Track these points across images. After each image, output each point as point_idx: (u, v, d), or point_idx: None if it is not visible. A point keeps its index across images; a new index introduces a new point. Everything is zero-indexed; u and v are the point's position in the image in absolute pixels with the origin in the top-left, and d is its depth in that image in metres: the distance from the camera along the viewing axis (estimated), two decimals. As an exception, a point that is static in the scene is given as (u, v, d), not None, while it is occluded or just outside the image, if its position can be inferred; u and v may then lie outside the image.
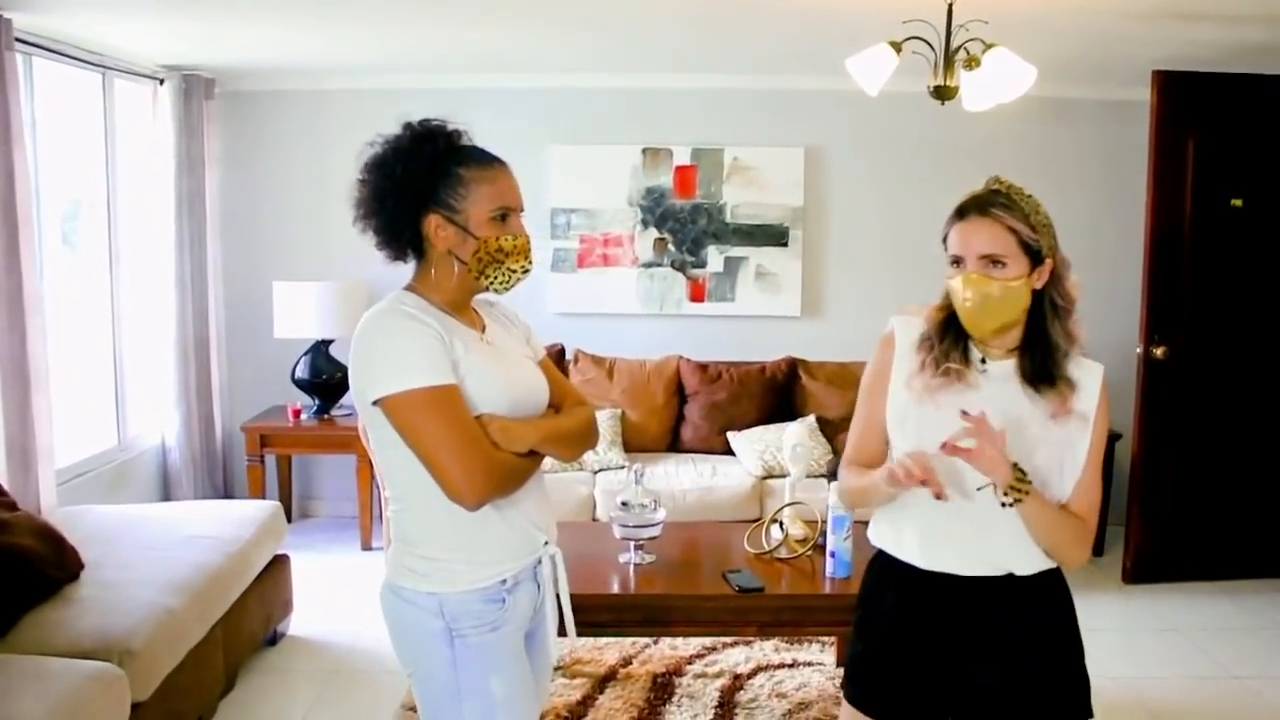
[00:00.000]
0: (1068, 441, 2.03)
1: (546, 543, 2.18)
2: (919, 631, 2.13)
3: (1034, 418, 2.03)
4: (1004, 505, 1.98)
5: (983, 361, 2.08)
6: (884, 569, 2.19)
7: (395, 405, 1.95)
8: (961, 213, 2.04)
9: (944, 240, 2.07)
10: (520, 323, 2.33)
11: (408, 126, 2.07)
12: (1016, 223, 1.98)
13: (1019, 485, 1.96)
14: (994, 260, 1.99)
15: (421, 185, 2.03)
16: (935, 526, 2.09)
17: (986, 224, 1.99)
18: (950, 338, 2.09)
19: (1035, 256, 2.00)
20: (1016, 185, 2.04)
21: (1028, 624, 2.07)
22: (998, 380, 2.07)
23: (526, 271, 2.11)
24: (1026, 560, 2.06)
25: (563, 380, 2.33)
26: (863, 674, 2.21)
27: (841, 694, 2.27)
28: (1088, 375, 2.06)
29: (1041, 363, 2.03)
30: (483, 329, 2.15)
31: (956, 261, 2.04)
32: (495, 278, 2.08)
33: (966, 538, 2.07)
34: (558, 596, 2.23)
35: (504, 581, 2.08)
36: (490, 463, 1.97)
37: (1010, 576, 2.06)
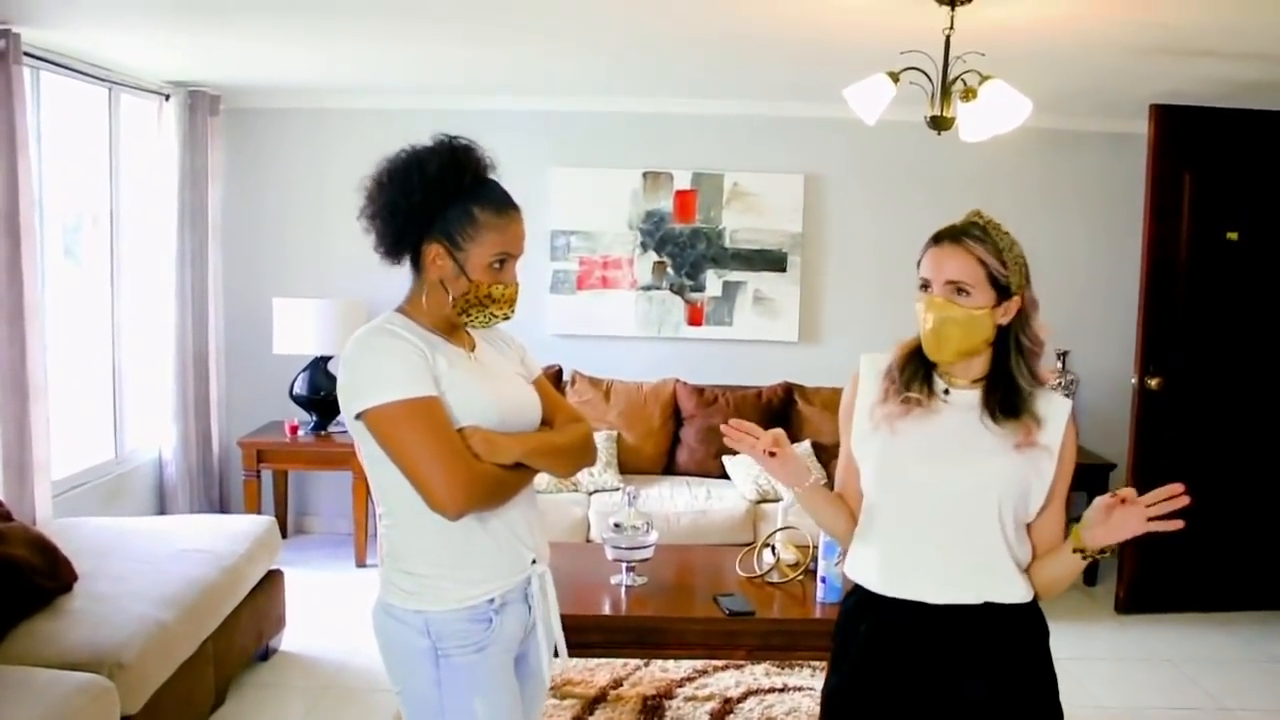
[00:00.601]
0: (1035, 470, 2.04)
1: (534, 561, 2.18)
2: (891, 663, 2.11)
3: (995, 448, 2.04)
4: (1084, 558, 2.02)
5: (946, 391, 2.10)
6: (858, 601, 2.18)
7: (377, 418, 1.98)
8: (937, 239, 2.07)
9: (918, 264, 2.11)
10: (515, 343, 2.35)
11: (440, 146, 2.08)
12: (987, 255, 2.01)
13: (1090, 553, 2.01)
14: (959, 288, 2.02)
15: (435, 212, 2.05)
16: (905, 555, 2.09)
17: (958, 252, 2.03)
18: (912, 367, 2.12)
19: (1002, 291, 2.02)
20: (995, 221, 2.06)
21: (1002, 655, 2.06)
22: (960, 409, 2.08)
23: (507, 318, 2.16)
24: (1007, 590, 2.05)
25: (556, 397, 2.35)
26: (836, 709, 2.19)
27: None
28: (1053, 410, 2.07)
29: (1004, 398, 2.04)
30: (472, 347, 2.18)
31: (925, 285, 2.07)
32: (476, 318, 2.12)
33: (938, 565, 2.07)
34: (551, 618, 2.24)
35: (491, 601, 2.09)
36: (472, 473, 1.98)
37: (987, 605, 2.04)
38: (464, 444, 2.00)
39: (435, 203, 2.04)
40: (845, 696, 2.18)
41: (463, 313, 2.09)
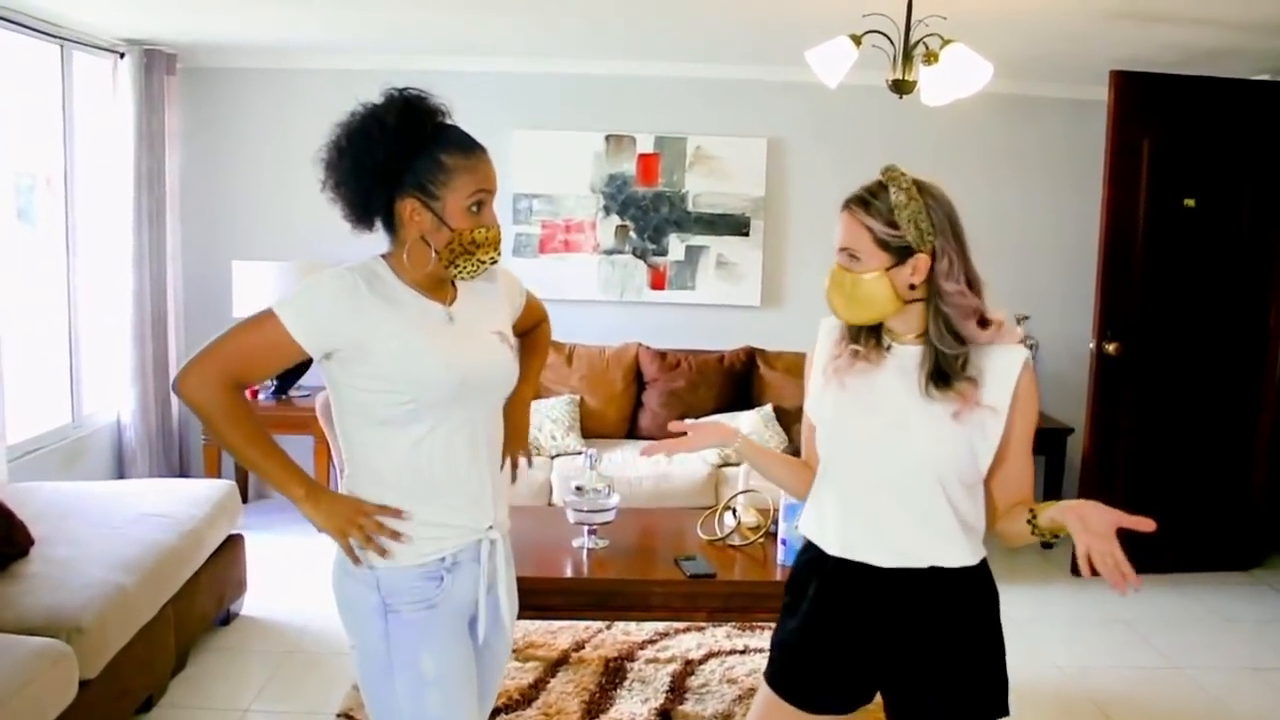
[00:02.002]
0: (979, 433, 2.03)
1: (491, 527, 2.17)
2: (837, 622, 2.14)
3: (931, 414, 2.03)
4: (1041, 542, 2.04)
5: (889, 348, 2.11)
6: (810, 558, 2.21)
7: None
8: (843, 205, 2.10)
9: None
10: (500, 278, 2.30)
11: (393, 99, 2.04)
12: (870, 219, 2.02)
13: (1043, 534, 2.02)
14: (851, 254, 2.07)
15: (402, 166, 2.01)
16: (854, 517, 2.12)
17: (845, 219, 2.08)
18: (859, 327, 2.15)
19: (897, 252, 2.02)
20: (903, 175, 2.04)
21: (949, 618, 2.07)
22: (904, 367, 2.08)
23: (494, 262, 2.12)
24: (952, 554, 2.06)
25: (535, 307, 2.49)
26: (781, 659, 2.23)
27: (764, 673, 2.29)
28: (1003, 364, 2.04)
29: (934, 368, 2.03)
30: (451, 301, 2.14)
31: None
32: (464, 268, 2.08)
33: (886, 529, 2.08)
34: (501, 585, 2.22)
35: (443, 559, 2.09)
36: (208, 384, 1.98)
37: (934, 570, 2.05)
38: (244, 362, 2.01)
39: (400, 156, 2.00)
40: (791, 651, 2.21)
41: (450, 264, 2.06)
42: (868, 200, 2.04)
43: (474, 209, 2.04)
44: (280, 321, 1.97)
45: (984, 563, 2.12)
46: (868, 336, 2.13)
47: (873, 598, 2.10)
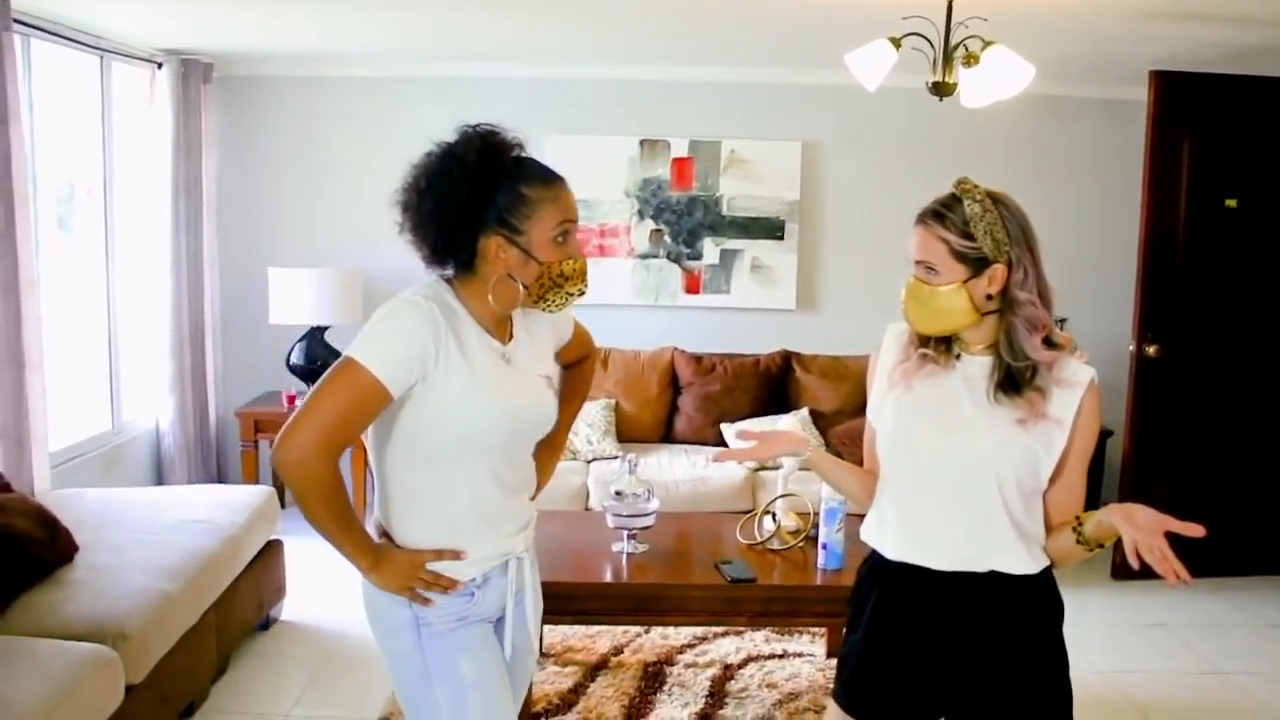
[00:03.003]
0: (1042, 444, 2.03)
1: (523, 550, 2.19)
2: (899, 628, 2.14)
3: (998, 421, 2.04)
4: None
5: (958, 356, 2.11)
6: (872, 566, 2.22)
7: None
8: (917, 219, 2.09)
9: None
10: (548, 319, 2.26)
11: (469, 136, 2.00)
12: (947, 232, 2.02)
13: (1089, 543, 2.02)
14: (928, 268, 2.05)
15: (484, 203, 1.97)
16: (914, 521, 2.12)
17: (921, 232, 2.06)
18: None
19: (974, 264, 2.01)
20: (976, 188, 2.04)
21: (1010, 626, 2.06)
22: (973, 375, 2.09)
23: (582, 294, 2.09)
24: (1015, 560, 2.06)
25: (583, 337, 2.47)
26: (850, 674, 2.22)
27: (831, 691, 2.28)
28: (1070, 381, 2.05)
29: (1005, 375, 2.04)
30: (509, 339, 2.11)
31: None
32: (553, 300, 2.05)
33: (945, 533, 2.09)
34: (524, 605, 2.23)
35: (474, 579, 2.09)
36: (317, 460, 1.90)
37: (994, 574, 2.05)
38: (343, 431, 1.92)
39: (482, 192, 1.96)
40: (856, 663, 2.20)
41: (540, 299, 2.03)
42: (942, 213, 2.04)
43: (560, 239, 2.01)
44: (368, 371, 1.89)
45: (1047, 572, 2.10)
46: (938, 342, 2.13)
47: (933, 603, 2.09)
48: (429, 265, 2.06)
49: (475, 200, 1.96)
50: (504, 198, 1.98)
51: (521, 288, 2.01)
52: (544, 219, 1.99)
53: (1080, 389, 2.04)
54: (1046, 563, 2.09)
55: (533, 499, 2.30)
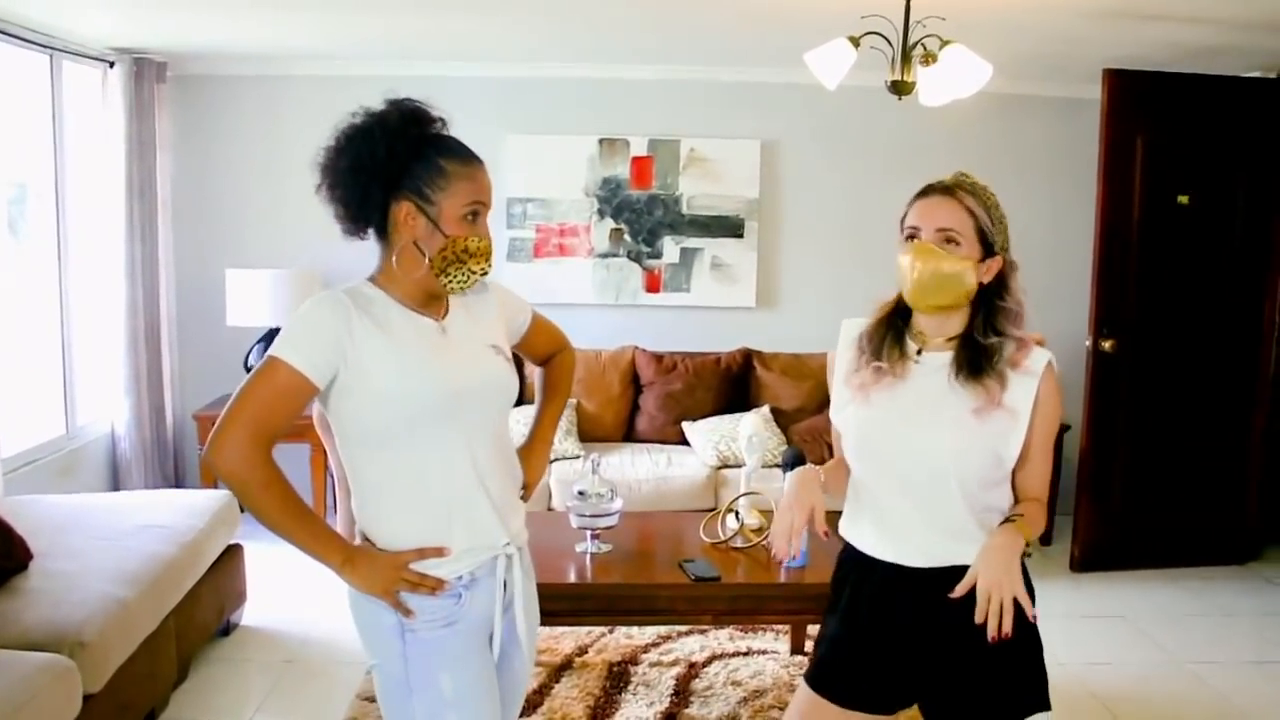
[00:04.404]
0: (997, 435, 2.05)
1: (507, 543, 2.14)
2: (874, 620, 2.17)
3: (954, 414, 2.05)
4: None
5: (919, 352, 2.13)
6: (848, 558, 2.25)
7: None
8: (927, 191, 2.09)
9: (902, 220, 2.12)
10: (497, 295, 2.28)
11: (394, 103, 2.03)
12: (978, 208, 2.04)
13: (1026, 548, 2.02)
14: (949, 237, 2.04)
15: (401, 168, 1.99)
16: (882, 519, 2.15)
17: (949, 202, 2.05)
18: (883, 332, 2.16)
19: (988, 248, 2.05)
20: (981, 183, 2.09)
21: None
22: (931, 370, 2.11)
23: (485, 274, 2.09)
24: (968, 553, 2.05)
25: (551, 332, 2.50)
26: (822, 656, 2.26)
27: (804, 671, 2.31)
28: (1028, 369, 2.06)
29: (972, 358, 2.05)
30: (443, 315, 2.11)
31: (912, 236, 2.08)
32: (455, 277, 2.04)
33: (915, 533, 2.11)
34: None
35: (460, 578, 2.06)
36: (245, 452, 1.89)
37: (957, 569, 2.05)
38: (272, 420, 1.92)
39: (400, 156, 1.99)
40: (830, 646, 2.24)
41: (441, 273, 2.03)
42: (973, 191, 2.05)
43: (469, 218, 2.03)
44: (287, 363, 1.91)
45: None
46: (891, 348, 2.13)
47: (905, 596, 2.13)
48: (345, 230, 2.07)
49: (392, 162, 1.98)
50: (420, 166, 2.00)
51: (426, 260, 2.01)
52: (457, 194, 2.01)
53: (1035, 379, 2.06)
54: None
55: (524, 499, 2.29)
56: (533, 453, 2.41)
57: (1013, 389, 2.04)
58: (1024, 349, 2.06)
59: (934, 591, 2.08)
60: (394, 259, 2.03)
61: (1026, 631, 2.12)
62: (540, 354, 2.45)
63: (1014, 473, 2.10)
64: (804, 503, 2.13)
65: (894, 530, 2.14)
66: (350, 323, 1.95)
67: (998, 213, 2.06)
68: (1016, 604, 1.91)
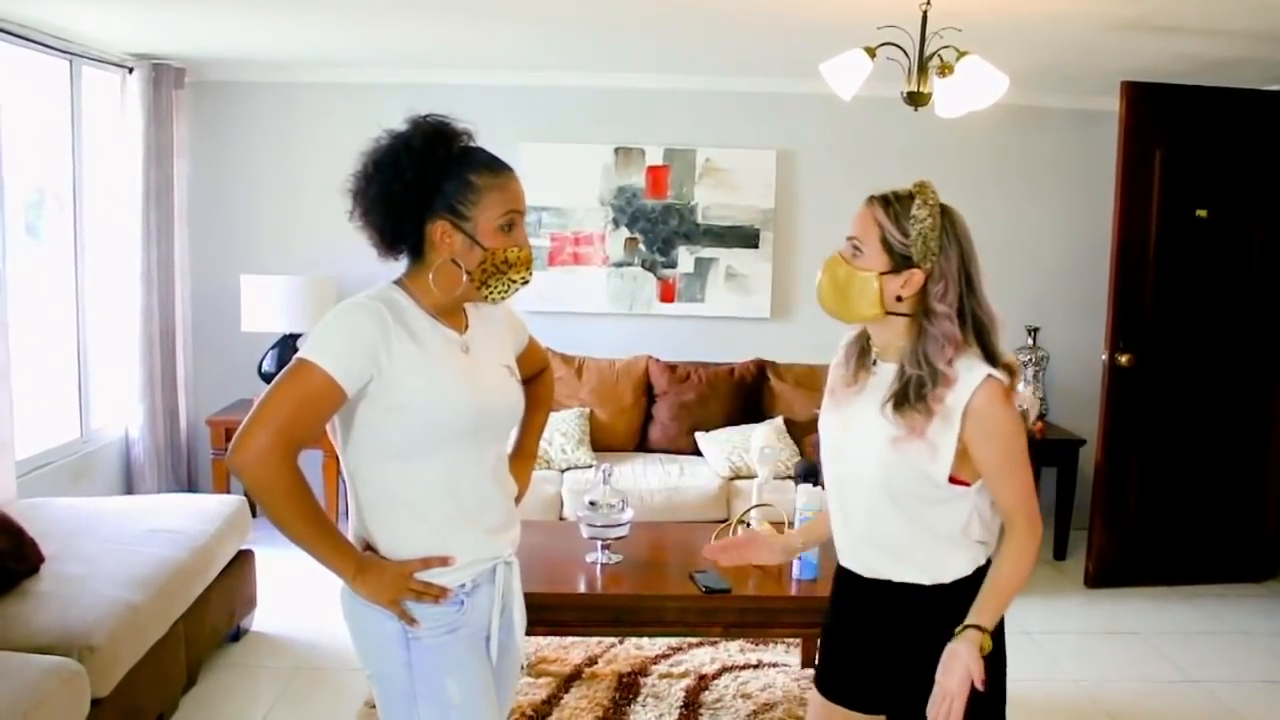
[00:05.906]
0: (913, 465, 2.00)
1: (508, 552, 2.16)
2: (844, 628, 2.25)
3: (874, 439, 2.04)
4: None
5: (874, 363, 2.13)
6: (835, 570, 2.30)
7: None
8: (866, 198, 2.11)
9: None
10: (503, 313, 2.30)
11: (417, 123, 2.01)
12: (884, 218, 2.03)
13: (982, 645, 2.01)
14: (855, 246, 2.07)
15: (431, 189, 1.98)
16: (841, 525, 2.19)
17: (862, 210, 2.08)
18: (859, 343, 2.19)
19: (898, 260, 2.02)
20: (932, 193, 2.03)
21: (938, 629, 2.04)
22: (880, 383, 2.09)
23: (526, 283, 2.08)
24: (921, 572, 2.07)
25: (539, 351, 2.53)
26: (821, 658, 2.34)
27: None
28: (951, 407, 1.98)
29: (901, 389, 2.01)
30: (465, 329, 2.11)
31: None
32: (496, 288, 2.05)
33: (859, 541, 2.16)
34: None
35: (463, 585, 2.07)
36: (271, 457, 1.87)
37: (909, 586, 2.08)
38: (298, 430, 1.89)
39: (429, 178, 1.97)
40: (823, 648, 2.33)
41: (482, 284, 2.02)
42: (890, 201, 2.05)
43: (505, 228, 2.02)
44: (319, 367, 1.89)
45: (966, 580, 2.07)
46: (859, 358, 2.16)
47: (865, 606, 2.18)
48: (381, 254, 2.07)
49: (421, 185, 1.98)
50: (451, 184, 1.99)
51: (465, 274, 2.01)
52: (490, 206, 2.00)
53: (957, 412, 1.97)
54: (961, 574, 2.08)
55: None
56: (520, 465, 2.45)
57: (935, 424, 1.98)
58: (947, 384, 1.97)
59: (882, 600, 2.12)
60: (431, 278, 2.02)
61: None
62: (527, 373, 2.44)
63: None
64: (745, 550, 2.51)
65: (844, 537, 2.19)
66: (389, 334, 1.95)
67: (921, 224, 1.99)
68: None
